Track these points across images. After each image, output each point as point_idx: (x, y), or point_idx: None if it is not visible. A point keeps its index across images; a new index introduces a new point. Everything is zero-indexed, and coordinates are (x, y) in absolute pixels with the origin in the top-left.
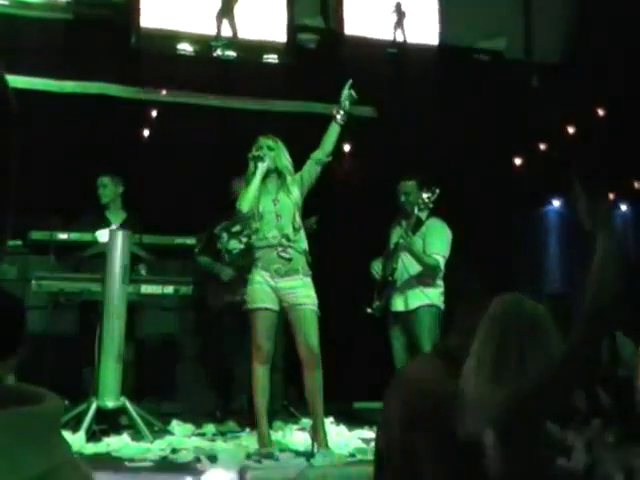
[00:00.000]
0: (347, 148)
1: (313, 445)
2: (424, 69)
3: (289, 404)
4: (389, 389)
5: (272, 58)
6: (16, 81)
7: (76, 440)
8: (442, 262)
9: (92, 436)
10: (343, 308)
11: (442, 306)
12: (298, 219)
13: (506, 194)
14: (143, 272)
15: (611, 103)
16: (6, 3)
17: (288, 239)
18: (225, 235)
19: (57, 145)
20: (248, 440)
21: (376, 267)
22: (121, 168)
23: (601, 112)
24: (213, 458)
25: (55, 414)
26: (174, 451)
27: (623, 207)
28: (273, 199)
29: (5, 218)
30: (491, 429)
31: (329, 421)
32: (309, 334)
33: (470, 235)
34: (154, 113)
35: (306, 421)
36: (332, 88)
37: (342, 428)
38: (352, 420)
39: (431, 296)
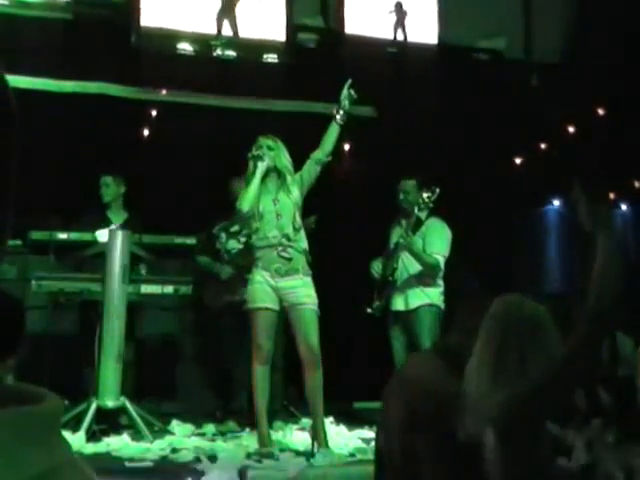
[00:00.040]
0: (347, 148)
1: (313, 445)
2: (424, 69)
3: (289, 404)
4: (388, 388)
5: (272, 58)
6: (16, 81)
7: (76, 440)
8: (442, 261)
9: (92, 436)
10: (343, 308)
11: (442, 306)
12: (298, 219)
13: (506, 194)
14: (143, 272)
15: (611, 103)
16: (5, 3)
17: (288, 239)
18: (224, 235)
19: (57, 145)
20: (248, 440)
21: (376, 267)
22: (121, 168)
23: (601, 112)
24: (213, 458)
25: (55, 414)
26: (174, 451)
27: (623, 207)
28: (273, 199)
29: (5, 218)
30: (491, 429)
31: (329, 421)
32: (309, 334)
33: (470, 235)
34: (154, 113)
35: (306, 421)
36: (332, 88)
37: (342, 428)
38: (352, 420)
39: (431, 296)
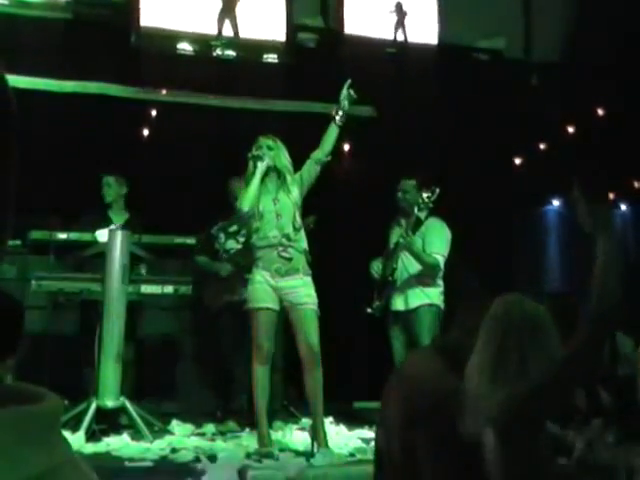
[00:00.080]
0: (347, 148)
1: (313, 445)
2: (423, 68)
3: (289, 404)
4: (388, 386)
5: (272, 58)
6: (16, 81)
7: (76, 440)
8: (442, 261)
9: (92, 436)
10: (343, 308)
11: (442, 305)
12: (298, 219)
13: (506, 194)
14: (143, 272)
15: (611, 102)
16: (5, 2)
17: (289, 239)
18: (222, 235)
19: (56, 145)
20: (248, 440)
21: (376, 267)
22: (120, 168)
23: (601, 111)
24: (213, 458)
25: (55, 413)
26: (174, 451)
27: (623, 207)
28: (273, 198)
29: (5, 218)
30: (491, 429)
31: (329, 421)
32: (309, 333)
33: (470, 235)
34: (153, 113)
35: (306, 421)
36: (332, 88)
37: (342, 428)
38: (352, 420)
39: (431, 295)
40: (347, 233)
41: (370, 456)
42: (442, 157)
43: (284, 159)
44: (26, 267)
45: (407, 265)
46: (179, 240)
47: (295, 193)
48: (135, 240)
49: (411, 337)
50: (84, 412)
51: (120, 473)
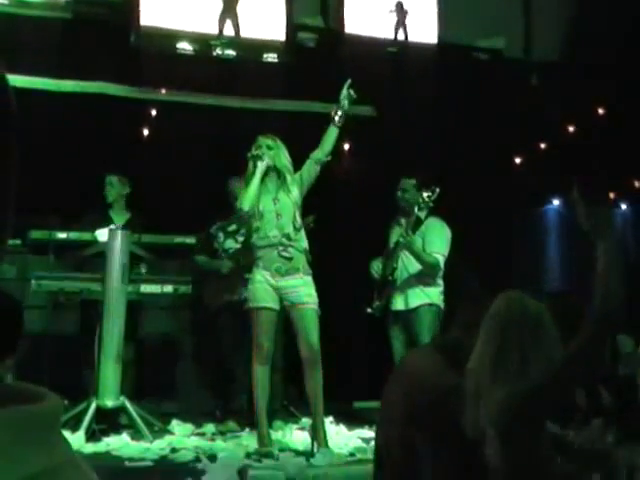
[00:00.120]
0: (347, 147)
1: (313, 444)
2: (423, 68)
3: (289, 404)
4: (388, 383)
5: (272, 57)
6: (15, 80)
7: (76, 440)
8: (442, 261)
9: (92, 436)
10: (343, 308)
11: (442, 305)
12: (298, 218)
13: (506, 194)
14: (143, 271)
15: (611, 102)
16: (5, 2)
17: (289, 238)
18: (221, 235)
19: (56, 145)
20: (248, 440)
21: (376, 267)
22: (120, 167)
23: (601, 111)
24: (213, 458)
25: (55, 413)
26: (174, 451)
27: (623, 207)
28: (273, 198)
29: (5, 218)
30: (491, 429)
31: (329, 421)
32: (310, 333)
33: (470, 235)
34: (153, 112)
35: (306, 421)
36: (332, 87)
37: (342, 428)
38: (352, 420)
39: (431, 295)
40: (347, 233)
41: (370, 456)
42: (442, 157)
43: (284, 159)
44: (26, 267)
45: (407, 265)
46: (179, 240)
47: (295, 193)
48: (135, 240)
49: (411, 337)
50: (84, 412)
51: (120, 473)
